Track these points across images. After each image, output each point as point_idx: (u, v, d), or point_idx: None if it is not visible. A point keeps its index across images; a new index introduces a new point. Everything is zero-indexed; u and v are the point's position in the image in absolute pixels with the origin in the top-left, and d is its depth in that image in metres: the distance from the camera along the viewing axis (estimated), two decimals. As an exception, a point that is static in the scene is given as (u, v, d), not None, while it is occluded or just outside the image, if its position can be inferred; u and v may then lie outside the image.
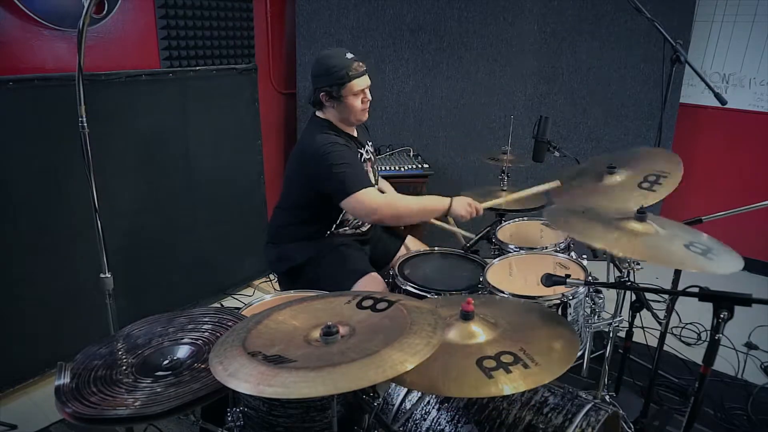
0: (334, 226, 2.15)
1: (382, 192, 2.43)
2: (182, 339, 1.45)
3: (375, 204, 1.97)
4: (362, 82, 2.00)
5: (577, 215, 1.51)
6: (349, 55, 1.98)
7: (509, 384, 1.08)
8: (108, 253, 1.83)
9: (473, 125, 3.57)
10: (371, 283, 2.01)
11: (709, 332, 1.17)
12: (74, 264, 2.45)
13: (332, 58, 1.97)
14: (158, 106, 2.73)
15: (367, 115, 2.11)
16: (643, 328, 2.62)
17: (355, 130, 2.19)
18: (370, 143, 2.30)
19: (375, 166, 2.30)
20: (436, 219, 2.19)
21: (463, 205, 2.07)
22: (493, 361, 1.14)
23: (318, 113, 2.12)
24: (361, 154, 2.16)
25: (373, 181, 2.21)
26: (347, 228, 2.20)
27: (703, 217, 1.82)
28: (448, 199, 2.08)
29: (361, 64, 1.99)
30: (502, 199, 2.31)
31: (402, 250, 2.38)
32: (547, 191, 2.18)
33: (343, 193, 1.94)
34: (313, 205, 2.08)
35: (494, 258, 2.06)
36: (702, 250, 1.28)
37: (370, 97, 2.06)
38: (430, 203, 2.11)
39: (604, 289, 2.02)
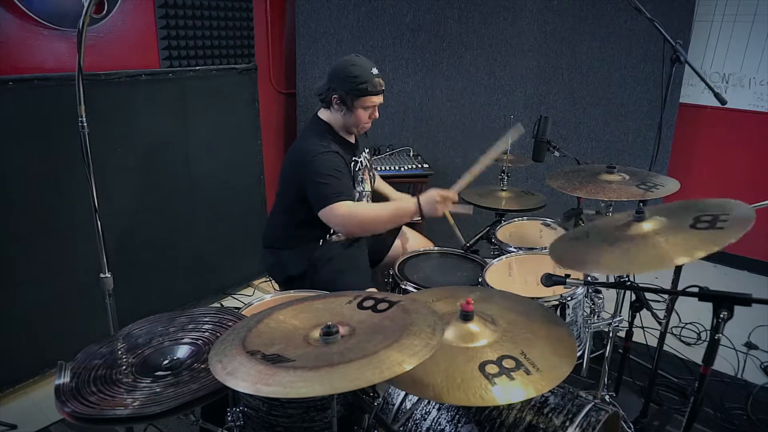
0: (329, 234, 2.12)
1: (380, 192, 2.42)
2: (182, 339, 1.46)
3: (343, 216, 1.92)
4: (377, 99, 2.03)
5: (581, 241, 1.46)
6: (375, 71, 1.99)
7: (513, 392, 1.08)
8: (108, 253, 1.83)
9: (473, 125, 3.57)
10: None
11: (709, 332, 1.17)
12: (74, 264, 2.45)
13: (358, 67, 1.97)
14: (158, 106, 2.73)
15: (369, 127, 2.13)
16: (643, 328, 2.62)
17: (354, 137, 2.18)
18: (367, 150, 2.29)
19: (371, 173, 2.29)
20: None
21: (431, 202, 1.96)
22: (495, 366, 1.13)
23: (321, 113, 2.11)
24: (356, 162, 2.13)
25: (368, 189, 2.21)
26: (341, 234, 2.16)
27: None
28: (414, 200, 1.99)
29: (381, 82, 2.01)
30: (469, 177, 2.09)
31: (404, 248, 2.37)
32: (507, 143, 2.19)
33: (320, 203, 1.93)
34: (307, 206, 2.05)
35: (494, 258, 2.06)
36: (709, 221, 1.25)
37: (377, 115, 2.09)
38: (397, 209, 2.03)
39: (603, 289, 2.02)
